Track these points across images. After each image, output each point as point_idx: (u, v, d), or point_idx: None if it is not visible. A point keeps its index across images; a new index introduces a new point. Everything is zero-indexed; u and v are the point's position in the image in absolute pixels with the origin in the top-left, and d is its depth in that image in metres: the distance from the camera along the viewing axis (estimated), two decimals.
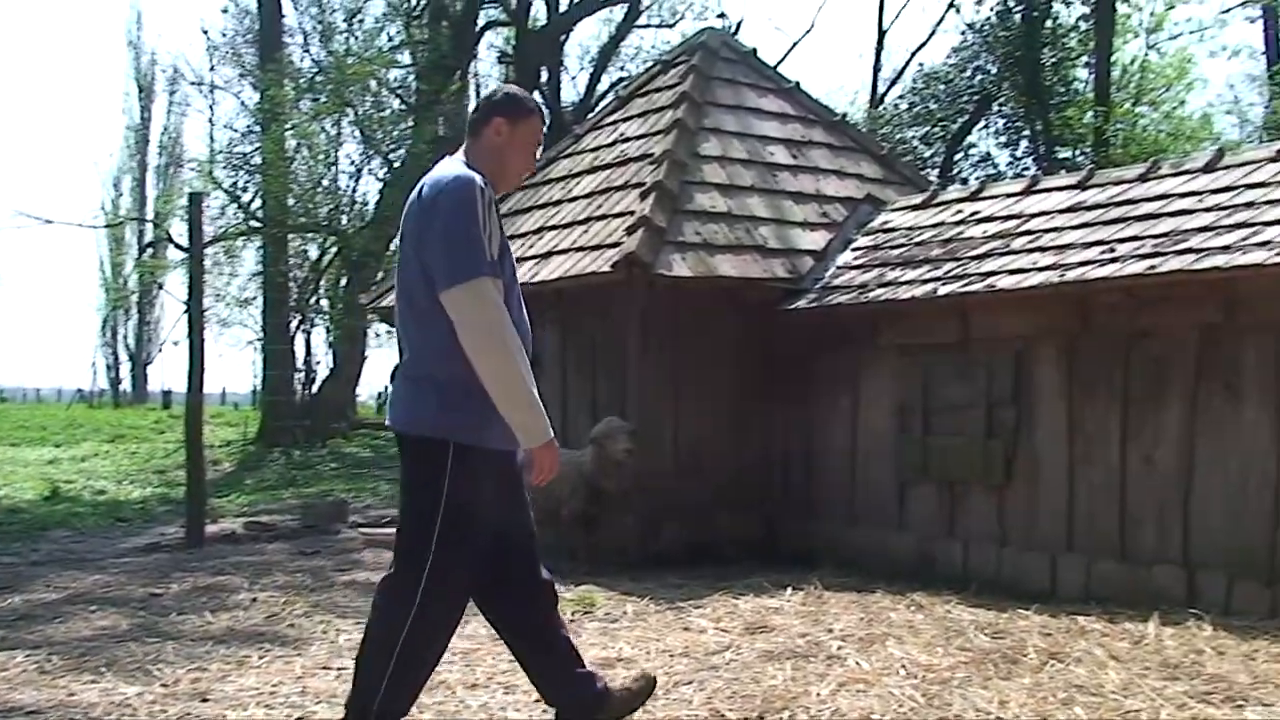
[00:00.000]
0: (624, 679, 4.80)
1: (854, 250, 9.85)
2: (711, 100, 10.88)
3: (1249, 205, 7.45)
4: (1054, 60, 23.51)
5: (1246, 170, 7.97)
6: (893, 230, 9.91)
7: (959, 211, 9.60)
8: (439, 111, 24.03)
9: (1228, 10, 28.48)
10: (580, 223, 10.16)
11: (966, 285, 8.21)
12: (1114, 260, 7.51)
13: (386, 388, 21.91)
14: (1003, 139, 25.92)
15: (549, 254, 10.04)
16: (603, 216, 10.00)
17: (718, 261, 9.35)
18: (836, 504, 9.29)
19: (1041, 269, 7.88)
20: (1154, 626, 6.29)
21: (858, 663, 5.72)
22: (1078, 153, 22.45)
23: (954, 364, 8.40)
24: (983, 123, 26.18)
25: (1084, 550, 7.63)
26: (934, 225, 9.58)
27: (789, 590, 7.60)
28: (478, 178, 4.23)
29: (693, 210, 9.69)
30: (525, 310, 4.41)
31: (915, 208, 10.15)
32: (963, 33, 26.63)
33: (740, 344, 9.64)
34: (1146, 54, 26.81)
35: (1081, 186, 8.96)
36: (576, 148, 11.78)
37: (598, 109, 12.40)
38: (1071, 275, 7.59)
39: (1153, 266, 7.19)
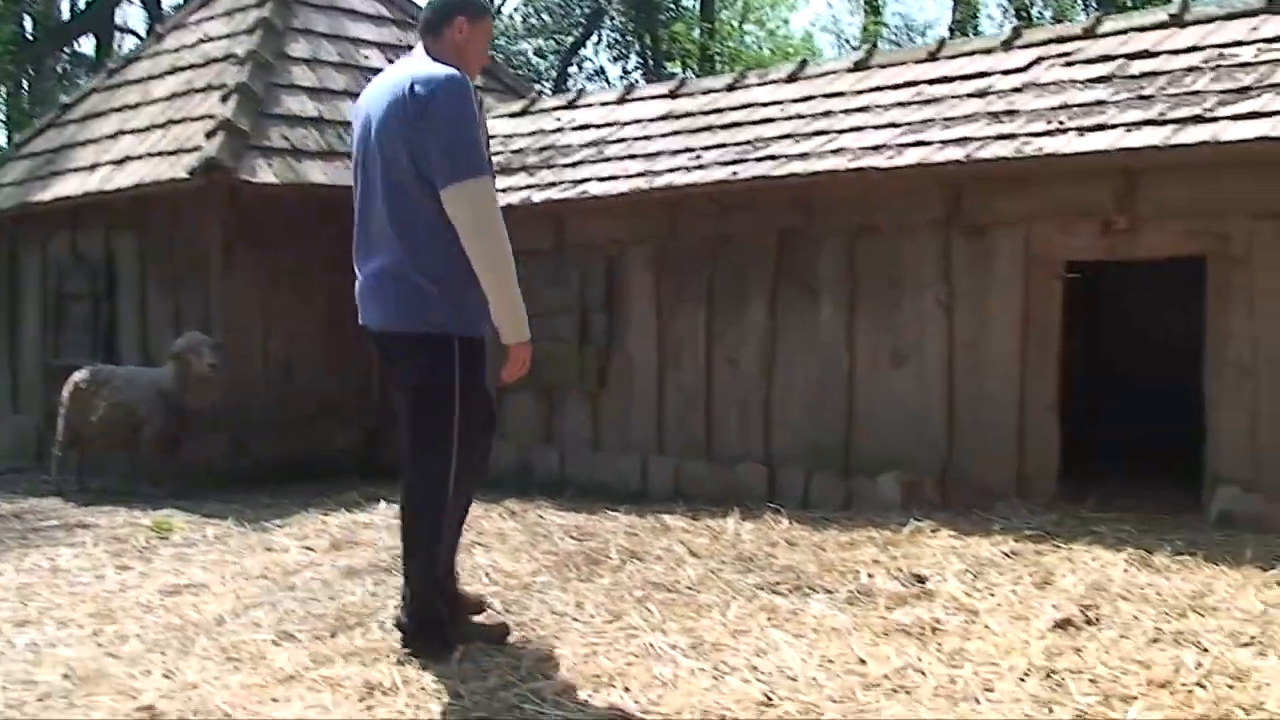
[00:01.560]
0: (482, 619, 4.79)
1: None
2: None
3: (827, 114, 7.69)
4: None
5: (827, 80, 8.22)
6: (492, 137, 9.72)
7: (557, 119, 9.54)
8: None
9: None
10: (159, 126, 9.55)
11: (562, 192, 8.16)
12: (700, 167, 7.62)
13: None
14: (614, 53, 26.21)
15: (125, 160, 9.41)
16: (183, 120, 9.41)
17: (307, 168, 8.97)
18: None
19: (632, 176, 7.91)
20: (733, 522, 6.45)
21: None
22: (685, 68, 22.94)
23: (550, 270, 8.35)
24: (596, 36, 26.37)
25: (673, 452, 7.77)
26: (532, 133, 9.48)
27: (383, 504, 7.41)
28: (465, 76, 4.28)
29: (280, 114, 9.25)
30: None
31: (514, 115, 10.02)
32: None
33: (334, 253, 9.27)
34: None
35: (673, 95, 9.05)
36: (158, 48, 11.05)
37: (184, 6, 11.66)
38: (660, 182, 7.65)
39: (735, 173, 7.32)
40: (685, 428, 7.76)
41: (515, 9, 27.99)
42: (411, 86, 4.22)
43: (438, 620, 4.44)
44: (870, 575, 5.26)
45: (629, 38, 25.18)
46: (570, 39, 25.83)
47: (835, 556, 5.68)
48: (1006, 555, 5.50)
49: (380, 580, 5.52)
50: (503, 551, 6.01)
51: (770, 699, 3.87)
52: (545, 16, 26.37)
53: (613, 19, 25.21)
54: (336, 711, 3.90)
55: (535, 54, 26.32)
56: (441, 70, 4.27)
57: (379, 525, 6.83)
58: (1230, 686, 3.79)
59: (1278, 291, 5.77)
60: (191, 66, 10.14)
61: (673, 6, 24.00)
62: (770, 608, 4.90)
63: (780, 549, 5.91)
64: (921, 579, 5.17)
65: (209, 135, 8.77)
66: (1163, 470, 6.66)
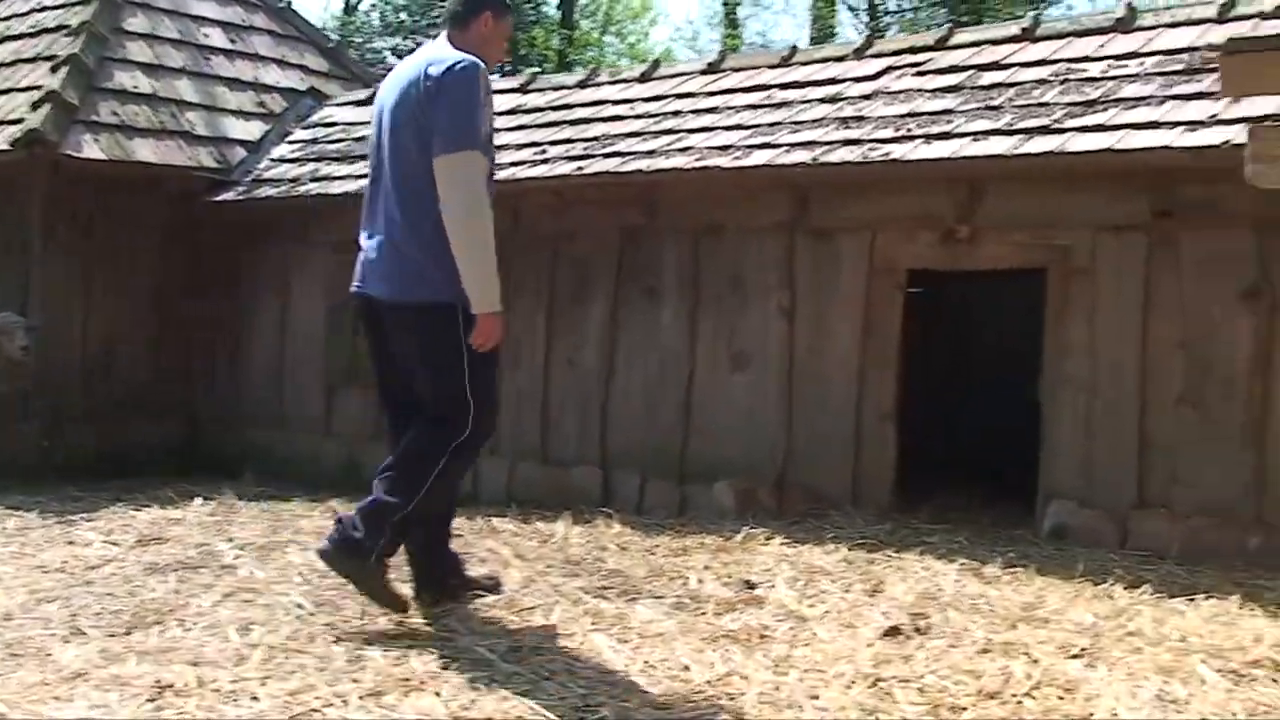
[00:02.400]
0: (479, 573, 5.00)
1: (290, 143, 9.29)
2: None
3: (676, 114, 7.55)
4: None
5: (678, 81, 8.10)
6: (333, 125, 9.43)
7: None
8: None
9: None
10: None
11: None
12: (545, 161, 7.42)
13: None
14: None
15: None
16: (8, 91, 8.90)
17: (137, 145, 8.54)
18: (265, 410, 8.77)
19: None
20: (564, 526, 6.24)
21: (252, 571, 5.30)
22: (543, 74, 22.76)
23: None
24: None
25: (508, 454, 7.53)
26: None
27: (199, 500, 7.04)
28: (481, 63, 4.48)
29: (111, 89, 8.80)
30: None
31: (359, 103, 9.68)
32: None
33: (164, 237, 8.89)
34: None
35: (523, 90, 8.84)
36: None
37: None
38: (503, 174, 7.41)
39: (580, 168, 7.13)
40: (520, 429, 7.52)
41: (372, 5, 27.47)
42: (427, 71, 4.44)
43: (361, 547, 4.42)
44: (700, 581, 5.09)
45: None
46: (429, 39, 25.38)
47: (665, 562, 5.50)
48: (839, 563, 5.38)
49: (185, 578, 5.18)
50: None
51: (589, 704, 3.67)
52: (403, 15, 25.92)
53: None
54: (122, 712, 3.60)
55: (393, 54, 25.82)
56: (457, 56, 4.47)
57: (190, 522, 6.47)
58: (1060, 698, 3.69)
59: (1118, 304, 5.76)
60: (22, 36, 9.61)
61: (533, 12, 23.79)
62: (595, 612, 4.70)
63: (610, 554, 5.71)
64: (751, 585, 5.01)
65: (34, 107, 8.29)
66: (1004, 484, 6.59)
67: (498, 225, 7.47)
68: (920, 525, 5.99)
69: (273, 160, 9.00)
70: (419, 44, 25.63)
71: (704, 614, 4.63)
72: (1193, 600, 4.69)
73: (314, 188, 8.29)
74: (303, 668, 3.98)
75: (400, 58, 25.91)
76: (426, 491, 4.46)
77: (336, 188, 8.16)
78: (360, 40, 25.23)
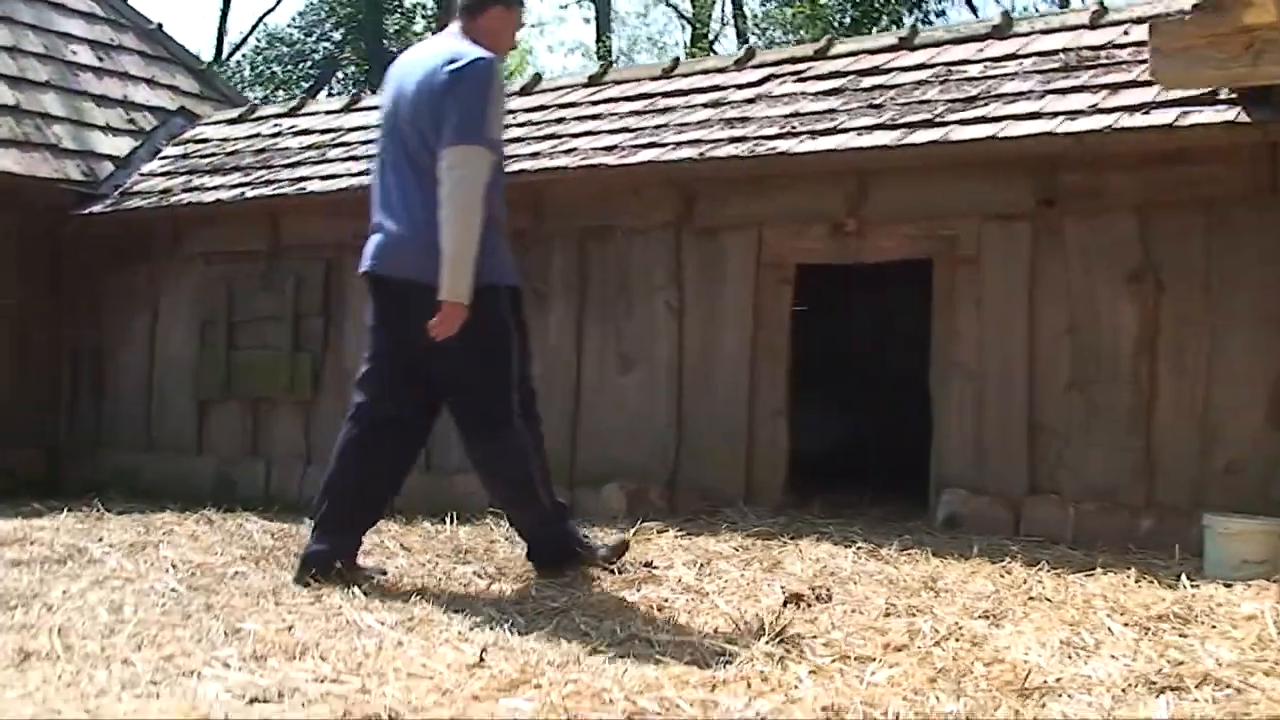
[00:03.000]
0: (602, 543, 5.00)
1: (161, 159, 9.03)
2: None
3: (560, 121, 7.48)
4: (397, 28, 23.56)
5: (561, 94, 8.03)
6: (205, 141, 9.18)
7: (276, 126, 9.05)
8: None
9: (565, 6, 30.01)
10: None
11: (277, 189, 7.68)
12: None
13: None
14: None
15: None
16: None
17: None
18: (132, 431, 8.42)
19: (354, 175, 7.51)
20: (450, 525, 6.07)
21: (121, 564, 5.05)
22: None
23: (263, 274, 7.84)
24: (328, 88, 25.79)
25: None
26: (249, 137, 8.96)
27: (64, 513, 6.71)
28: (496, 60, 4.59)
29: None
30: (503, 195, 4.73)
31: (232, 121, 9.48)
32: None
33: (25, 255, 8.54)
34: None
35: None
36: None
37: None
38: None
39: None
40: None
41: (244, 56, 27.13)
42: (443, 65, 4.51)
43: (563, 544, 4.78)
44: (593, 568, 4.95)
45: (362, 88, 24.74)
46: (300, 90, 25.18)
47: None
48: (734, 549, 5.27)
49: (51, 570, 4.91)
50: (194, 548, 5.47)
51: (483, 660, 3.50)
52: (275, 67, 25.65)
53: (346, 71, 24.69)
54: None
55: (264, 102, 25.54)
56: (474, 51, 4.56)
57: (57, 528, 6.14)
58: (968, 649, 3.61)
59: (1004, 292, 5.78)
60: None
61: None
62: (487, 591, 4.55)
63: (500, 545, 5.55)
64: (650, 564, 4.89)
65: None
66: (899, 478, 6.52)
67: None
68: (814, 519, 5.91)
69: (143, 174, 8.73)
70: (292, 96, 25.57)
71: (601, 589, 4.50)
72: (1091, 574, 4.67)
73: (186, 197, 8.03)
74: (179, 639, 3.77)
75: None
76: (530, 480, 4.74)
77: (209, 196, 7.92)
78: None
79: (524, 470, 4.74)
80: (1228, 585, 4.43)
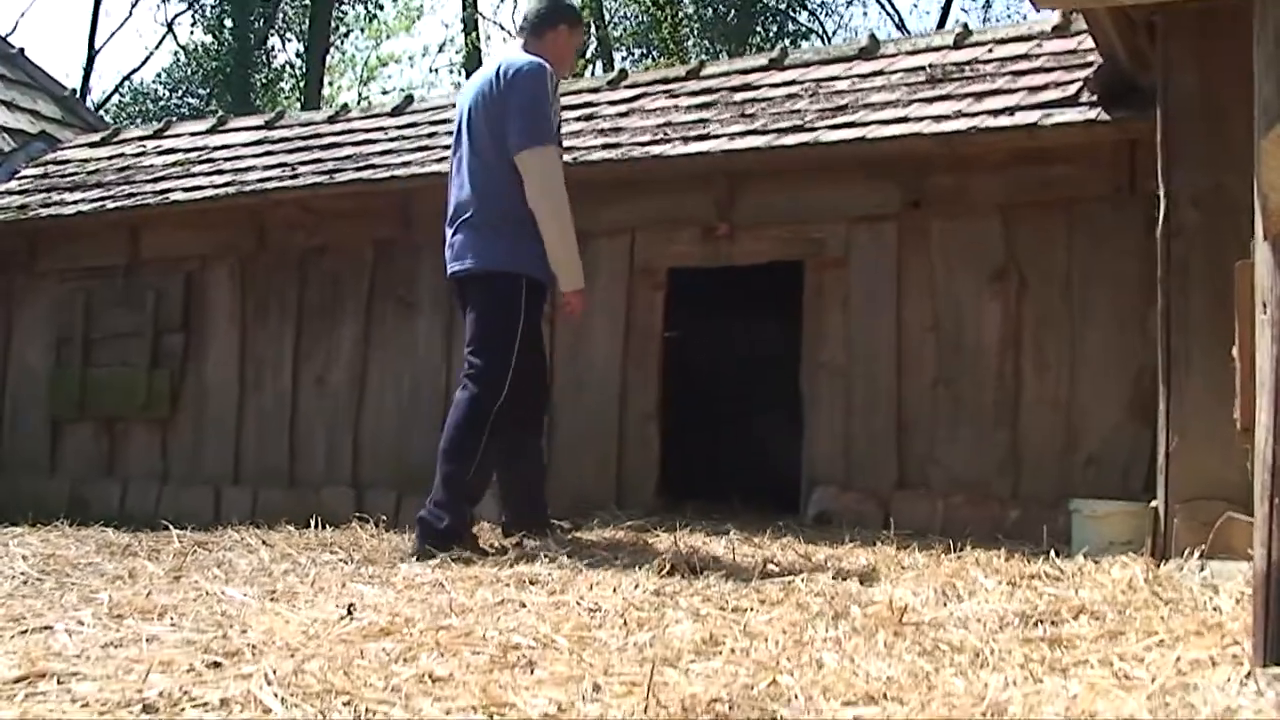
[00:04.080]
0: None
1: (20, 179, 8.75)
2: None
3: (432, 135, 7.42)
4: (265, 82, 23.33)
5: (433, 113, 7.97)
6: (66, 162, 8.93)
7: (141, 146, 8.83)
8: None
9: (435, 70, 30.09)
10: None
11: (139, 200, 7.48)
12: (294, 177, 7.16)
13: None
14: None
15: None
16: None
17: None
18: None
19: (218, 186, 7.35)
20: (316, 530, 5.89)
21: None
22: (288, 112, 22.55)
23: (121, 289, 7.60)
24: None
25: (252, 480, 7.11)
26: (112, 158, 8.73)
27: None
28: (548, 65, 5.04)
29: None
30: None
31: (94, 144, 9.23)
32: (175, 54, 25.82)
33: None
34: (361, 97, 27.55)
35: (269, 126, 8.56)
36: None
37: None
38: (249, 189, 7.13)
39: (332, 177, 6.91)
40: (266, 454, 7.12)
41: (105, 112, 26.56)
42: (499, 72, 5.02)
43: (444, 532, 4.80)
44: (465, 551, 4.83)
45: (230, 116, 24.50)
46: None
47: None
48: (607, 541, 5.17)
49: None
50: (47, 546, 5.24)
51: (351, 614, 3.37)
52: (139, 124, 25.18)
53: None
54: None
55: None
56: (526, 59, 5.05)
57: None
58: (845, 598, 3.57)
59: (871, 293, 5.82)
60: None
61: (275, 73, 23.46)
62: (354, 573, 4.40)
63: (366, 541, 5.40)
64: (519, 544, 4.80)
65: None
66: (772, 483, 6.49)
67: (242, 241, 7.28)
68: (687, 519, 5.85)
69: None
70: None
71: (472, 569, 4.38)
72: (962, 553, 4.67)
73: (45, 211, 7.78)
74: (32, 608, 3.58)
75: None
76: (474, 457, 4.88)
77: (70, 209, 7.67)
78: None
79: (475, 441, 4.90)
80: (1096, 561, 4.46)
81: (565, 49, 5.29)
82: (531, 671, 2.65)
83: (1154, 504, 4.47)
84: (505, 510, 5.29)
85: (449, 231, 5.13)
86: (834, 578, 3.97)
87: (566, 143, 6.55)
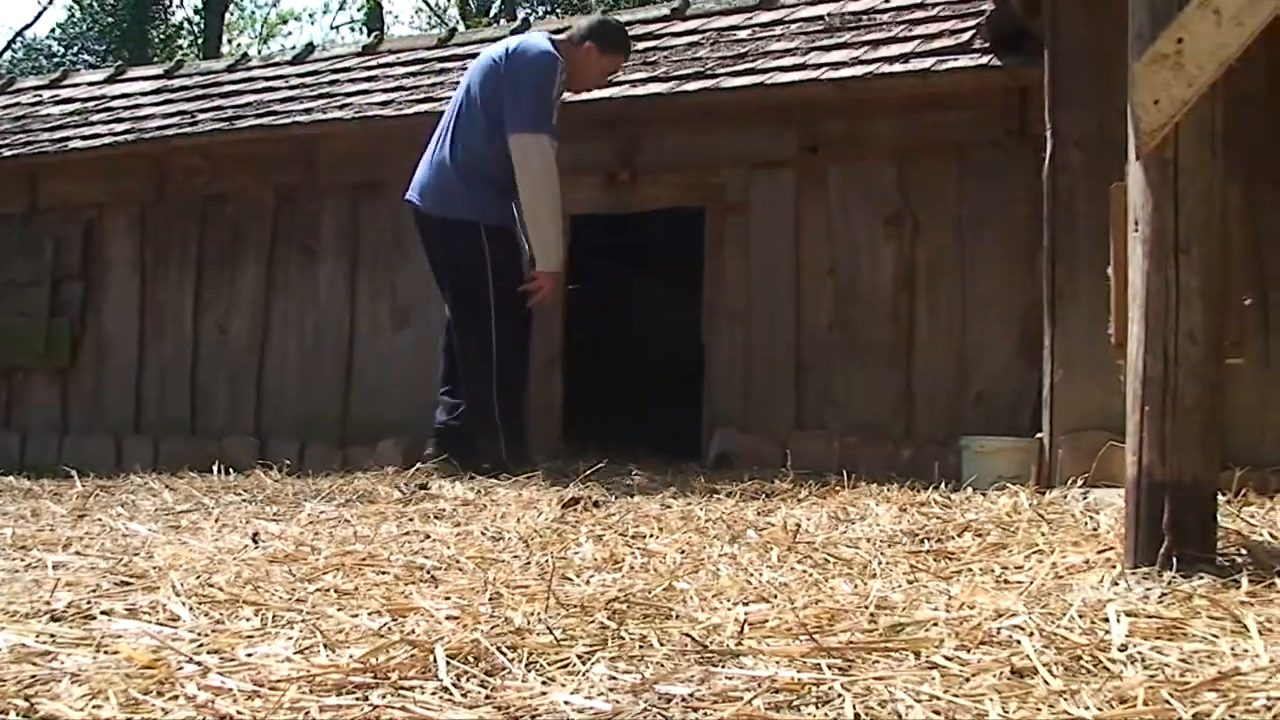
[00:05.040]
0: None
1: None
2: None
3: (333, 83, 7.38)
4: (163, 38, 22.92)
5: (334, 61, 7.92)
6: None
7: (37, 95, 8.68)
8: None
9: (337, 27, 29.66)
10: None
11: (37, 149, 7.36)
12: (194, 125, 7.08)
13: None
14: None
15: None
16: None
17: None
18: None
19: (116, 134, 7.25)
20: (218, 475, 5.85)
21: None
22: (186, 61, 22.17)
23: (19, 237, 7.48)
24: None
25: (153, 430, 7.06)
26: (7, 107, 8.57)
27: None
28: (560, 59, 5.29)
29: None
30: None
31: None
32: (70, 8, 25.23)
33: None
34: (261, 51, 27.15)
35: (169, 75, 8.45)
36: None
37: None
38: (149, 137, 7.05)
39: (233, 123, 6.85)
40: (167, 404, 7.07)
41: None
42: (510, 47, 5.30)
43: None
44: (371, 489, 4.86)
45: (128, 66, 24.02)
46: None
47: (332, 485, 5.22)
48: (510, 481, 5.22)
49: None
50: None
51: (256, 542, 3.40)
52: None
53: None
54: None
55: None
56: (539, 43, 5.31)
57: None
58: (742, 523, 3.66)
59: (771, 238, 5.90)
60: None
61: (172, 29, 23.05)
62: (261, 513, 4.40)
63: (270, 485, 5.39)
64: (425, 486, 4.84)
65: None
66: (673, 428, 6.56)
67: (141, 190, 7.19)
68: (591, 462, 5.91)
69: None
70: None
71: (377, 506, 4.41)
72: (854, 488, 4.77)
73: None
74: None
75: None
76: (491, 378, 5.29)
77: None
78: None
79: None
80: (984, 494, 4.59)
81: (589, 68, 5.49)
82: (436, 585, 2.70)
83: (1039, 436, 4.61)
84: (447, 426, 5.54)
85: (422, 164, 5.47)
86: (732, 507, 4.06)
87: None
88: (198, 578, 2.77)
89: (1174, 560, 2.54)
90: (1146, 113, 2.48)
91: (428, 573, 2.88)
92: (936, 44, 5.68)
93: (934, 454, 5.33)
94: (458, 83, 6.62)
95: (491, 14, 21.16)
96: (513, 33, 7.52)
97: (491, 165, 5.25)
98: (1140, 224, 2.54)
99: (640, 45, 6.77)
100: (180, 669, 1.91)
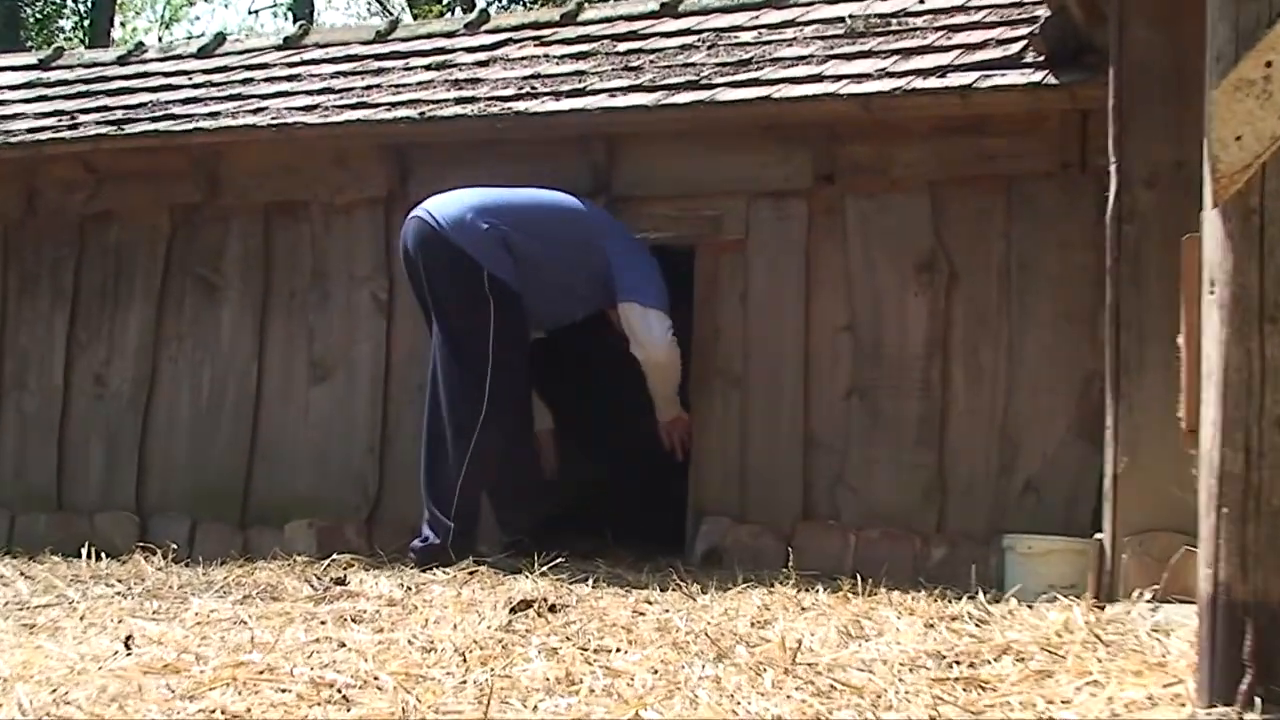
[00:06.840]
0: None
1: None
2: None
3: (247, 82, 7.44)
4: (39, 16, 23.09)
5: (249, 55, 7.98)
6: None
7: None
8: None
9: (256, 12, 29.94)
10: None
11: None
12: (74, 127, 7.11)
13: None
14: None
15: None
16: None
17: None
18: None
19: None
20: (90, 561, 5.86)
21: None
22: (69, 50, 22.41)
23: None
24: None
25: (7, 503, 7.05)
26: None
27: None
28: None
29: None
30: None
31: None
32: None
33: None
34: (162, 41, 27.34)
35: (44, 66, 8.52)
36: None
37: None
38: (15, 138, 7.08)
39: (121, 129, 6.91)
40: (27, 470, 7.08)
41: None
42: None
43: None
44: (277, 583, 4.86)
45: None
46: None
47: (228, 577, 5.21)
48: (445, 578, 5.20)
49: None
50: None
51: (129, 648, 3.39)
52: None
53: None
54: None
55: None
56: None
57: None
58: (730, 639, 3.66)
59: (775, 284, 5.92)
60: None
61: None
62: (138, 609, 4.41)
63: (151, 574, 5.39)
64: (343, 581, 4.84)
65: None
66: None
67: (4, 206, 7.21)
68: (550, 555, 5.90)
69: None
70: None
71: (282, 605, 4.41)
72: (871, 595, 4.77)
73: None
74: None
75: None
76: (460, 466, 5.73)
77: None
78: None
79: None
80: (1030, 606, 4.60)
81: None
82: (347, 708, 2.69)
83: (1099, 536, 4.62)
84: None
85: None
86: (719, 616, 4.06)
87: (411, 95, 6.64)
88: (52, 693, 2.76)
89: (1257, 700, 2.54)
90: (1226, 150, 2.51)
91: (338, 690, 2.88)
92: (980, 55, 5.73)
93: (970, 555, 5.34)
94: (400, 86, 6.73)
95: (444, 1, 21.28)
96: (466, 27, 7.63)
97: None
98: (1217, 285, 2.56)
99: (622, 46, 6.87)
100: None
